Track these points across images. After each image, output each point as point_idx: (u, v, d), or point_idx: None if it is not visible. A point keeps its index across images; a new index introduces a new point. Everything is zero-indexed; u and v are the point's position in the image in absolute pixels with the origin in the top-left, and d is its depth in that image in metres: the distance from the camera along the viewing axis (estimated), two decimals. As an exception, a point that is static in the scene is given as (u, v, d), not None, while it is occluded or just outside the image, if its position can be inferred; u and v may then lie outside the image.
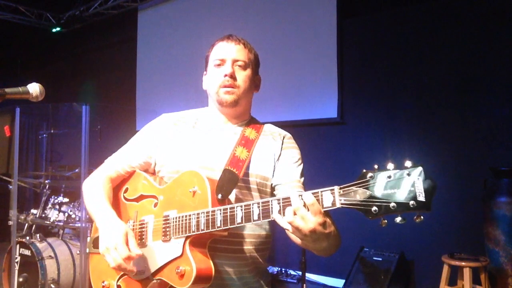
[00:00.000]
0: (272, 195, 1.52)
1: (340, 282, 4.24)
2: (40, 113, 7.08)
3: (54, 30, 7.47)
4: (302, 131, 4.84)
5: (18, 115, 3.89)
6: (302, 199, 1.11)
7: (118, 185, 1.57)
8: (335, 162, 4.75)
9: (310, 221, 1.10)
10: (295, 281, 4.65)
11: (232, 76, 1.47)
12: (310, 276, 4.56)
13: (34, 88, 1.29)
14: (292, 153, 1.54)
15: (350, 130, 4.67)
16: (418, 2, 4.34)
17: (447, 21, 4.13)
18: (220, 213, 1.25)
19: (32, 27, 7.36)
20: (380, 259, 3.98)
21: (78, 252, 3.76)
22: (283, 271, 4.83)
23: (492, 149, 3.79)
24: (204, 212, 1.28)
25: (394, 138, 4.38)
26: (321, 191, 1.11)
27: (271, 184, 1.51)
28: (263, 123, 1.62)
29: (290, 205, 1.13)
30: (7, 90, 1.25)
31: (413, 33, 4.32)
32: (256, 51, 1.58)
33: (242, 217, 1.22)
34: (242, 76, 1.49)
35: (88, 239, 1.60)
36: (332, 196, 1.09)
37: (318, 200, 1.11)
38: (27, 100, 1.30)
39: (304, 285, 3.74)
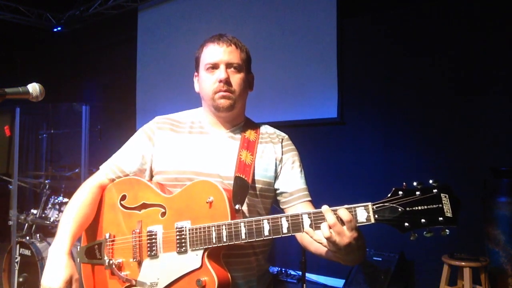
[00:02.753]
0: (275, 200, 1.52)
1: (340, 282, 4.24)
2: (40, 113, 7.08)
3: (54, 30, 7.47)
4: (302, 131, 4.84)
5: (18, 115, 3.89)
6: (336, 214, 1.14)
7: (112, 191, 1.51)
8: (335, 162, 4.75)
9: (346, 236, 1.13)
10: (295, 281, 4.65)
11: (227, 82, 1.43)
12: (310, 276, 4.56)
13: (34, 88, 1.28)
14: (293, 157, 1.53)
15: (350, 130, 4.67)
16: (418, 2, 4.33)
17: (447, 21, 4.13)
18: (245, 226, 1.24)
19: (32, 27, 7.36)
20: (380, 259, 3.98)
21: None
22: (283, 271, 4.83)
23: (492, 149, 3.79)
24: (225, 225, 1.26)
25: (394, 138, 4.38)
26: (354, 207, 1.14)
27: (275, 190, 1.50)
28: (259, 124, 1.59)
29: (321, 219, 1.16)
30: (7, 90, 1.24)
31: (413, 33, 4.32)
32: (247, 48, 1.53)
33: (269, 230, 1.22)
34: (237, 80, 1.45)
35: (79, 247, 1.54)
36: (366, 212, 1.13)
37: (351, 215, 1.13)
38: (27, 100, 1.29)
39: (304, 285, 3.74)
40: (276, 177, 1.49)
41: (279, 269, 4.86)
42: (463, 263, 3.29)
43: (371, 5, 4.65)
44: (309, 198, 1.49)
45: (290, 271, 4.81)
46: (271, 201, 1.51)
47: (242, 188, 1.37)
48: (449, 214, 1.08)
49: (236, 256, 1.37)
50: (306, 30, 4.95)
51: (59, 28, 7.40)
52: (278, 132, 1.60)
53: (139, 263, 1.38)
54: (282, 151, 1.52)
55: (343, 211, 1.13)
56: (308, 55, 4.92)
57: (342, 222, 1.12)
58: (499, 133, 3.79)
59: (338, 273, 4.42)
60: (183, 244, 1.31)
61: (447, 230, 1.09)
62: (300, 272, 3.85)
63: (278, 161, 1.50)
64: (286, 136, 1.59)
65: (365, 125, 4.57)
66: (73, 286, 1.31)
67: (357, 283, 3.94)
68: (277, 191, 1.50)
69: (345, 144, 4.72)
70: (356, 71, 4.67)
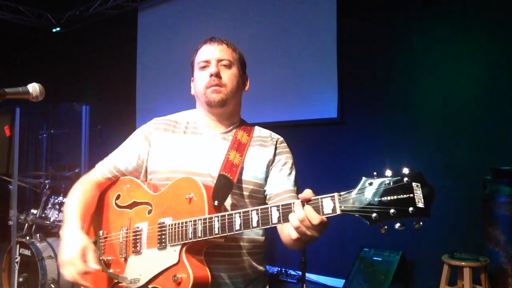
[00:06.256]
0: (265, 203, 1.51)
1: (340, 282, 4.24)
2: (40, 113, 7.08)
3: (54, 30, 7.47)
4: (302, 131, 4.84)
5: (18, 115, 3.89)
6: (303, 206, 1.14)
7: (109, 191, 1.55)
8: (334, 162, 4.75)
9: (311, 229, 1.14)
10: (295, 281, 4.65)
11: (218, 75, 1.46)
12: (310, 276, 4.56)
13: (34, 88, 1.29)
14: (285, 159, 1.54)
15: (350, 130, 4.67)
16: (418, 2, 4.33)
17: (447, 21, 4.13)
18: (218, 220, 1.25)
19: (32, 27, 7.36)
20: (380, 259, 3.98)
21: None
22: (283, 271, 4.83)
23: (492, 149, 3.79)
24: (201, 219, 1.27)
25: (394, 138, 4.38)
26: (321, 198, 1.13)
27: (264, 191, 1.50)
28: (253, 126, 1.60)
29: (290, 211, 1.16)
30: (7, 90, 1.24)
31: (413, 33, 4.32)
32: (240, 51, 1.57)
33: (240, 224, 1.22)
34: (228, 75, 1.48)
35: None
36: (332, 203, 1.11)
37: (318, 206, 1.13)
38: (27, 100, 1.29)
39: (304, 285, 3.74)
40: (266, 179, 1.50)
41: (279, 269, 4.86)
42: (463, 263, 3.29)
43: (371, 5, 4.65)
44: (295, 199, 1.48)
45: (290, 271, 4.81)
46: (261, 203, 1.51)
47: (225, 186, 1.37)
48: (420, 205, 1.00)
49: (222, 255, 1.38)
50: (306, 30, 4.95)
51: (58, 29, 7.39)
52: (273, 134, 1.60)
53: (126, 260, 1.42)
54: (274, 153, 1.53)
55: (307, 206, 1.13)
56: (308, 56, 4.92)
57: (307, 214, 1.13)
58: (499, 133, 3.79)
59: (338, 273, 4.42)
60: (163, 240, 1.33)
61: (420, 222, 1.01)
62: (300, 272, 3.86)
63: (270, 163, 1.51)
64: (281, 139, 1.59)
65: (365, 125, 4.57)
66: (89, 254, 1.31)
67: (357, 283, 3.94)
68: (265, 193, 1.50)
69: (344, 144, 4.71)
70: (356, 71, 4.67)
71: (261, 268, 1.53)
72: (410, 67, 4.32)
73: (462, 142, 3.95)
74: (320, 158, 4.75)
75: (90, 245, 1.34)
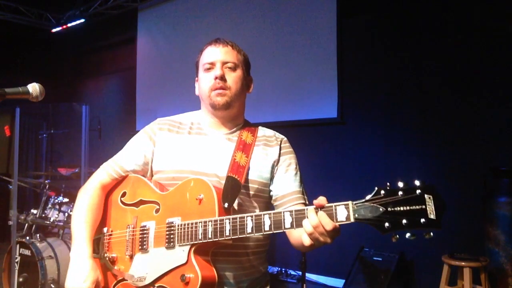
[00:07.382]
0: (270, 203, 1.53)
1: (340, 282, 4.24)
2: (40, 113, 7.08)
3: (54, 30, 7.47)
4: (302, 131, 4.84)
5: (18, 115, 3.89)
6: (316, 212, 1.15)
7: (114, 189, 1.56)
8: (335, 162, 4.75)
9: (325, 235, 1.15)
10: (295, 281, 4.65)
11: (223, 78, 1.46)
12: (310, 276, 4.56)
13: (34, 88, 1.29)
14: (289, 159, 1.55)
15: (350, 130, 4.67)
16: (418, 2, 4.34)
17: (447, 21, 4.13)
18: (229, 223, 1.26)
19: (32, 27, 7.36)
20: (380, 259, 3.98)
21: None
22: (283, 271, 4.83)
23: (492, 149, 3.79)
24: (211, 221, 1.28)
25: (394, 138, 4.38)
26: (335, 205, 1.14)
27: (270, 192, 1.51)
28: (257, 126, 1.61)
29: (303, 217, 1.17)
30: (7, 90, 1.25)
31: (413, 33, 4.32)
32: (245, 52, 1.57)
33: (252, 228, 1.23)
34: (233, 77, 1.49)
35: None
36: (347, 211, 1.12)
37: (332, 213, 1.14)
38: (27, 100, 1.30)
39: (304, 285, 3.74)
40: (271, 179, 1.51)
41: (279, 269, 4.86)
42: (463, 263, 3.29)
43: (371, 5, 4.66)
44: (303, 201, 1.49)
45: (290, 271, 4.81)
46: (265, 201, 1.52)
47: (234, 187, 1.38)
48: (432, 216, 1.03)
49: (227, 255, 1.38)
50: (306, 30, 4.95)
51: (58, 28, 7.39)
52: (277, 134, 1.61)
53: (131, 257, 1.42)
54: (279, 153, 1.54)
55: (321, 213, 1.14)
56: (308, 55, 4.92)
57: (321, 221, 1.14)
58: (499, 133, 3.79)
59: (338, 273, 4.42)
60: (172, 239, 1.34)
61: (431, 233, 1.04)
62: (300, 272, 3.86)
63: (275, 163, 1.52)
64: (285, 139, 1.60)
65: (365, 125, 4.57)
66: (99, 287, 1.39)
67: (357, 283, 3.94)
68: (271, 193, 1.51)
69: (345, 144, 4.72)
70: (356, 71, 4.67)
71: (263, 267, 1.54)
72: (410, 67, 4.32)
73: (462, 142, 3.95)
74: (320, 158, 4.75)
75: (100, 277, 1.41)
